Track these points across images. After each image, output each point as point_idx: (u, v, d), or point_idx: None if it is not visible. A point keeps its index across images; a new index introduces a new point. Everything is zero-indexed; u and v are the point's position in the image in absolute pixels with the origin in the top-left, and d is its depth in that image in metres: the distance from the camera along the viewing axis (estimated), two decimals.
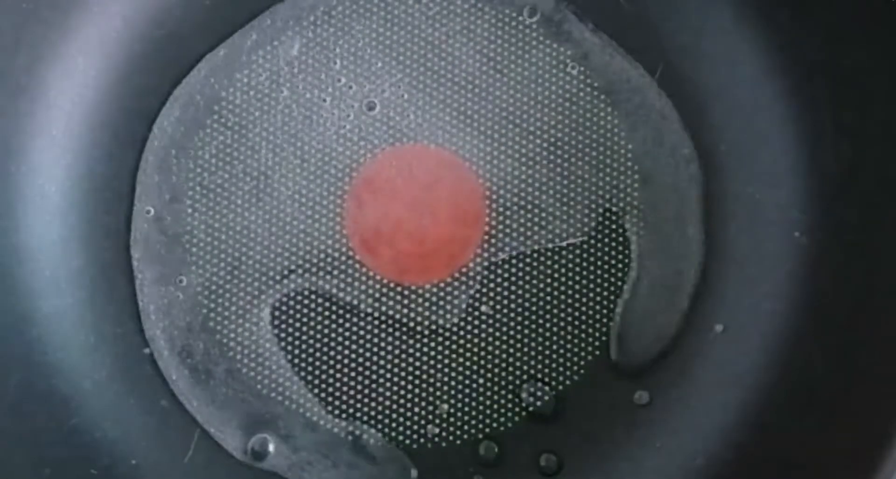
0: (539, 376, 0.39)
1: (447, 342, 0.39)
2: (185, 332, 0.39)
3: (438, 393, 0.39)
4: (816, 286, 0.38)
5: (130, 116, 0.39)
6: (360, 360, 0.39)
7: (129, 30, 0.39)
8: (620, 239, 0.39)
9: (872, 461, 0.34)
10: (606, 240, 0.39)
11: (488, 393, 0.39)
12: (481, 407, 0.39)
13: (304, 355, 0.39)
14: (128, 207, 0.39)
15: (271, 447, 0.38)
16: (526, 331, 0.39)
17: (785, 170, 0.39)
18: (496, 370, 0.39)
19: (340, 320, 0.39)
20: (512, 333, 0.39)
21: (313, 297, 0.39)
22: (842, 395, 0.36)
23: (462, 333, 0.39)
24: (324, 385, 0.39)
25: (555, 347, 0.39)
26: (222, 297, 0.39)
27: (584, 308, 0.39)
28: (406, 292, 0.39)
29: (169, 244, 0.39)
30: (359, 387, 0.39)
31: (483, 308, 0.39)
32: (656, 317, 0.39)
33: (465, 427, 0.39)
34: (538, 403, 0.39)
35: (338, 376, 0.39)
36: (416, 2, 0.40)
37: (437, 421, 0.39)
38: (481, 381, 0.39)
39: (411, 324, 0.39)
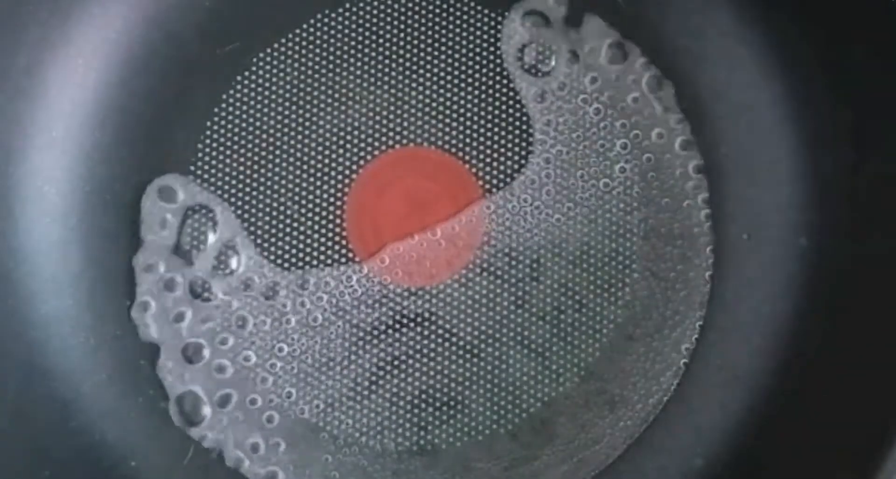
0: (540, 377, 0.39)
1: (447, 344, 0.39)
2: (185, 335, 0.39)
3: (439, 395, 0.39)
4: (817, 288, 0.38)
5: (130, 117, 0.39)
6: (360, 362, 0.39)
7: (129, 32, 0.39)
8: (620, 239, 0.39)
9: (872, 462, 0.34)
10: (606, 242, 0.39)
11: (488, 395, 0.39)
12: (481, 409, 0.39)
13: (303, 356, 0.39)
14: (127, 209, 0.39)
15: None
16: (526, 332, 0.39)
17: (785, 171, 0.39)
18: (496, 372, 0.39)
19: (340, 322, 0.39)
20: (512, 335, 0.39)
21: (313, 298, 0.39)
22: (842, 396, 0.36)
23: (462, 334, 0.39)
24: (323, 386, 0.39)
25: (555, 348, 0.39)
26: (222, 299, 0.39)
27: (584, 308, 0.39)
28: (406, 294, 0.39)
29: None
30: (358, 388, 0.39)
31: (483, 309, 0.39)
32: None
33: (466, 429, 0.39)
34: (538, 404, 0.39)
35: (338, 377, 0.39)
36: (416, 4, 0.40)
37: (437, 422, 0.39)
38: (482, 382, 0.39)
39: (411, 325, 0.39)
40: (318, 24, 0.40)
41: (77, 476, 0.37)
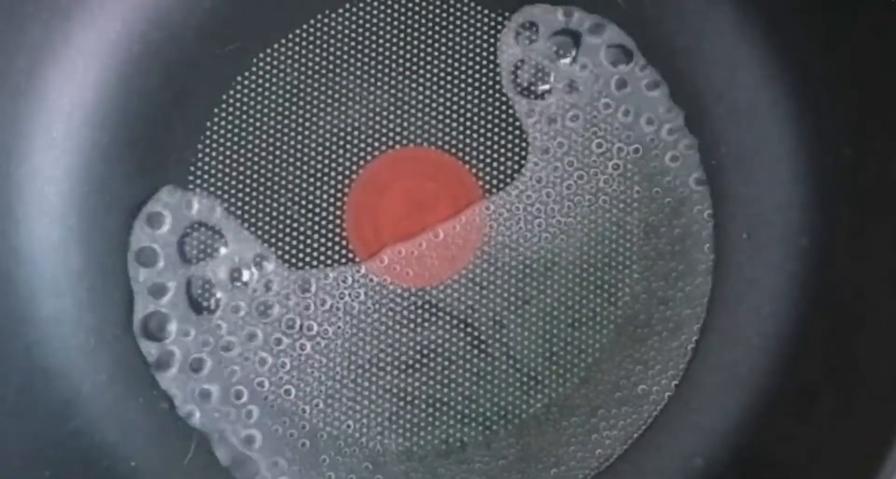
0: (539, 378, 0.39)
1: (447, 345, 0.39)
2: (185, 336, 0.39)
3: (438, 395, 0.39)
4: (817, 288, 0.38)
5: (130, 117, 0.39)
6: (360, 362, 0.39)
7: (129, 32, 0.39)
8: (620, 239, 0.39)
9: (872, 462, 0.34)
10: (606, 242, 0.39)
11: (488, 395, 0.39)
12: (481, 409, 0.39)
13: (303, 356, 0.39)
14: (127, 209, 0.39)
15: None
16: (526, 333, 0.39)
17: (785, 171, 0.39)
18: (496, 372, 0.39)
19: (340, 323, 0.39)
20: (512, 335, 0.39)
21: (313, 299, 0.39)
22: (842, 396, 0.36)
23: (462, 335, 0.39)
24: (323, 387, 0.39)
25: (555, 349, 0.39)
26: (222, 299, 0.39)
27: (584, 309, 0.39)
28: (406, 295, 0.39)
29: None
30: (358, 388, 0.39)
31: (483, 310, 0.39)
32: None
33: (466, 429, 0.39)
34: (538, 404, 0.39)
35: (338, 377, 0.39)
36: (416, 4, 0.40)
37: (437, 423, 0.39)
38: (481, 382, 0.39)
39: (411, 325, 0.39)
40: (318, 25, 0.40)
41: (77, 476, 0.37)
